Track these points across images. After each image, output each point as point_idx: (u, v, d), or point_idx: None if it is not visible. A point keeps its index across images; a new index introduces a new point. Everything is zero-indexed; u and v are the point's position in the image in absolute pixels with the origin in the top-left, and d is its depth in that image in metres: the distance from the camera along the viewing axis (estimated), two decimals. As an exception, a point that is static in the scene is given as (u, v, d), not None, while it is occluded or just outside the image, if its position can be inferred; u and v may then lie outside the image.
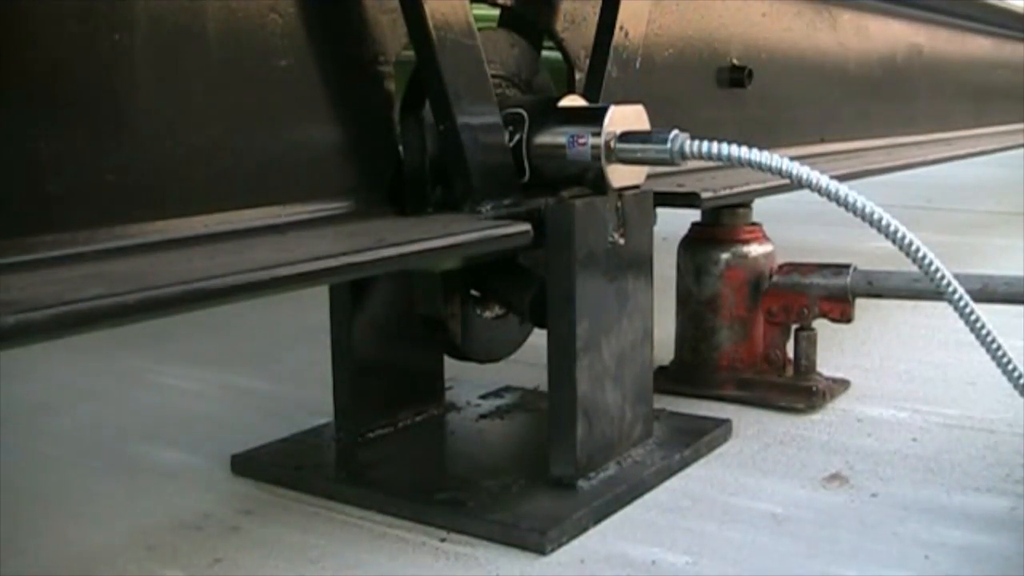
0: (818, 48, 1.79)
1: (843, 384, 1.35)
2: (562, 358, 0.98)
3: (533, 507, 0.97)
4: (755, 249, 1.31)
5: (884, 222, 0.85)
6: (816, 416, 1.25)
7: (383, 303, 1.13)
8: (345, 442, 1.13)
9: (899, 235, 0.85)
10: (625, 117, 1.00)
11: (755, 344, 1.32)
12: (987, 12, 2.60)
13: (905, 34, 2.18)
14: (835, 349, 1.44)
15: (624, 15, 1.18)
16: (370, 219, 0.94)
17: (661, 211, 1.12)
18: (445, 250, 0.87)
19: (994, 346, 0.87)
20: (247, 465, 1.09)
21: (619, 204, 1.02)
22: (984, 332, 0.86)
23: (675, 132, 0.96)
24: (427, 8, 0.92)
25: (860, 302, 1.28)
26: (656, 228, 1.09)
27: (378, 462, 1.08)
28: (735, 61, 1.51)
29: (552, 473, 1.01)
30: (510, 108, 1.02)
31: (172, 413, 1.32)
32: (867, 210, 0.86)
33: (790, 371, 1.32)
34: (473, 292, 1.10)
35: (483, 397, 1.27)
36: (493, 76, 1.02)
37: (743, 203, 1.32)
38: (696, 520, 0.97)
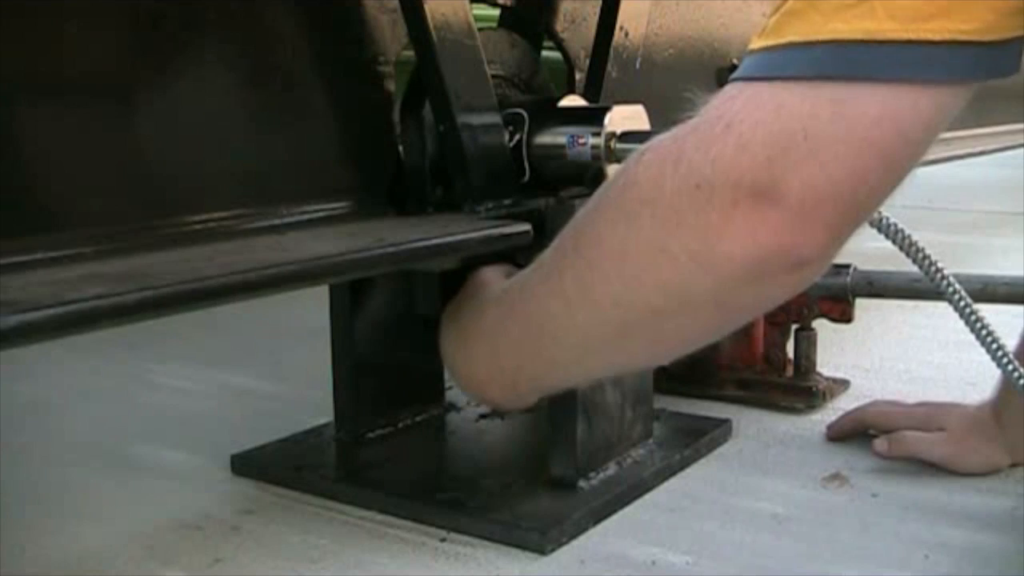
0: (818, 48, 1.78)
1: (843, 384, 1.35)
2: (562, 358, 0.98)
3: (533, 507, 0.97)
4: (755, 249, 1.31)
5: (884, 222, 0.85)
6: (816, 416, 1.25)
7: (383, 303, 1.13)
8: (345, 442, 1.13)
9: (899, 235, 0.85)
10: (625, 117, 1.00)
11: (755, 344, 1.32)
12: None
13: (905, 34, 2.18)
14: (835, 349, 1.44)
15: (624, 15, 1.18)
16: (370, 219, 0.94)
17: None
18: (445, 250, 0.87)
19: (994, 347, 0.87)
20: (247, 465, 1.09)
21: (619, 204, 1.01)
22: (984, 332, 0.86)
23: (675, 132, 0.96)
24: (427, 8, 0.92)
25: (860, 302, 1.27)
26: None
27: (378, 462, 1.08)
28: (735, 61, 1.50)
29: (552, 473, 1.01)
30: (510, 108, 1.02)
31: (172, 413, 1.32)
32: (867, 210, 0.85)
33: (790, 371, 1.32)
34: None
35: (483, 397, 1.26)
36: (493, 76, 1.02)
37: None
38: (696, 520, 0.97)
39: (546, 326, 0.78)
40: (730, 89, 0.66)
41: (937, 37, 0.59)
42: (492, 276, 0.93)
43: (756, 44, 0.65)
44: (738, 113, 0.63)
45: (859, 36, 0.60)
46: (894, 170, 0.63)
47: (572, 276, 0.74)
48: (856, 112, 0.61)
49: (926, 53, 0.59)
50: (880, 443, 1.08)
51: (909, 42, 0.59)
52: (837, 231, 0.63)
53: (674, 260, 0.66)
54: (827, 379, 1.32)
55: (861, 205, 0.64)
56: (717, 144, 0.64)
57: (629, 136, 0.99)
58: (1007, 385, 1.02)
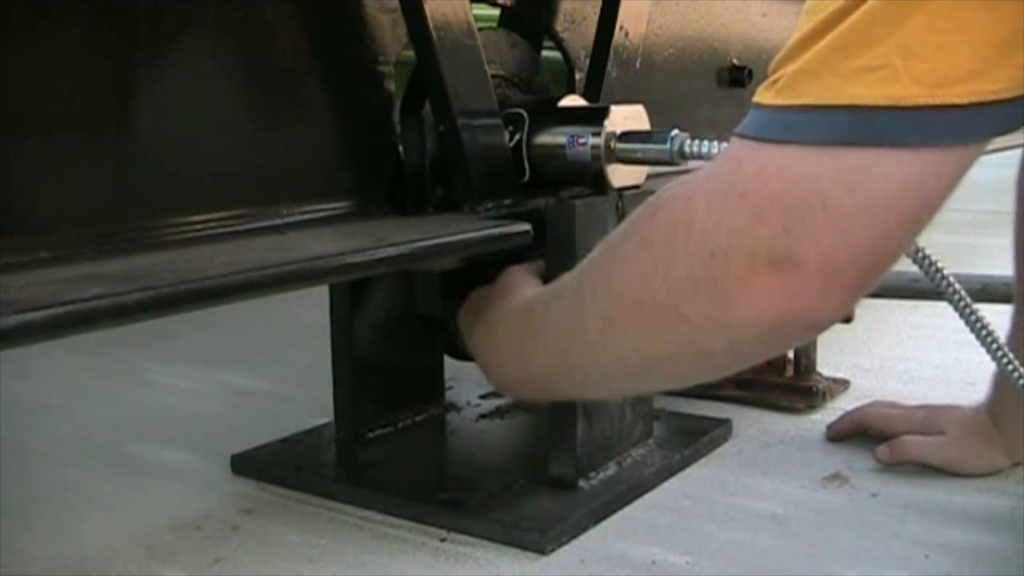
0: (818, 48, 1.78)
1: (843, 384, 1.35)
2: (562, 358, 0.98)
3: (533, 507, 0.97)
4: (755, 249, 1.31)
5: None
6: (816, 416, 1.25)
7: (383, 303, 1.13)
8: (345, 442, 1.13)
9: (899, 235, 0.85)
10: (625, 117, 1.00)
11: (755, 344, 1.32)
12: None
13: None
14: (835, 349, 1.44)
15: (624, 15, 1.18)
16: (370, 219, 0.94)
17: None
18: (445, 250, 0.87)
19: (994, 346, 0.87)
20: (247, 465, 1.09)
21: (619, 204, 1.02)
22: (984, 332, 0.86)
23: (675, 132, 0.96)
24: (427, 8, 0.92)
25: (860, 302, 1.27)
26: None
27: (378, 462, 1.08)
28: (735, 61, 1.51)
29: (552, 473, 1.01)
30: (510, 108, 1.02)
31: (172, 413, 1.32)
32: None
33: (790, 371, 1.31)
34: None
35: (483, 397, 1.27)
36: (493, 76, 1.02)
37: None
38: (696, 520, 0.97)
39: (572, 359, 0.79)
40: (740, 149, 0.64)
41: (965, 100, 0.57)
42: (522, 277, 0.94)
43: (767, 99, 0.63)
44: (752, 181, 0.62)
45: (883, 102, 0.58)
46: (914, 230, 0.62)
47: (592, 322, 0.74)
48: (878, 180, 0.59)
49: (953, 117, 0.57)
50: (882, 450, 1.08)
51: (936, 107, 0.57)
52: (856, 291, 0.63)
53: (689, 321, 0.66)
54: (827, 379, 1.32)
55: (881, 266, 0.62)
56: (731, 213, 0.62)
57: (629, 136, 0.98)
58: (1002, 386, 1.02)
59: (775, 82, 0.63)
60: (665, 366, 0.73)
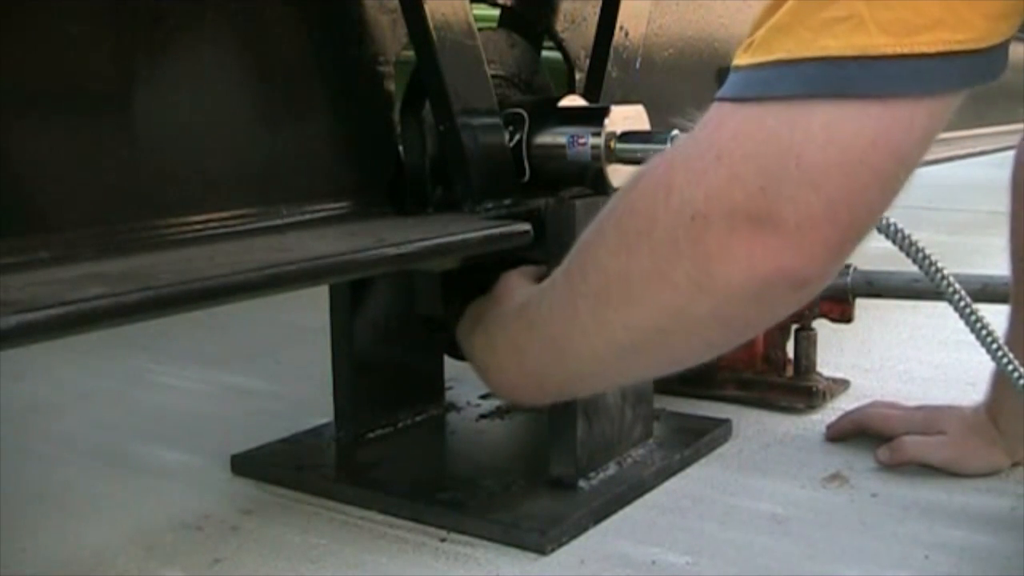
0: (818, 48, 1.78)
1: (843, 384, 1.35)
2: (562, 358, 0.98)
3: (533, 507, 0.97)
4: (755, 249, 1.31)
5: (884, 222, 0.85)
6: (816, 416, 1.25)
7: (383, 303, 1.13)
8: (345, 442, 1.13)
9: (899, 235, 0.85)
10: (625, 117, 1.00)
11: (755, 344, 1.32)
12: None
13: (905, 34, 2.17)
14: (835, 349, 1.44)
15: (624, 15, 1.18)
16: (370, 219, 0.94)
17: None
18: (445, 250, 0.87)
19: (994, 346, 0.87)
20: (247, 465, 1.09)
21: (619, 204, 1.01)
22: (984, 332, 0.86)
23: (675, 132, 0.96)
24: (427, 8, 0.92)
25: (860, 302, 1.27)
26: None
27: (378, 462, 1.08)
28: (735, 61, 1.50)
29: (552, 473, 1.01)
30: (510, 108, 1.02)
31: (172, 413, 1.32)
32: (867, 210, 0.85)
33: (790, 371, 1.32)
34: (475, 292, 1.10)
35: (483, 397, 1.26)
36: (493, 76, 1.02)
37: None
38: (696, 520, 0.97)
39: (565, 347, 0.79)
40: (718, 112, 0.64)
41: (932, 49, 0.58)
42: (518, 281, 0.94)
43: (743, 60, 0.63)
44: (728, 143, 0.62)
45: (851, 52, 0.58)
46: (890, 186, 0.63)
47: (583, 303, 0.75)
48: (850, 135, 0.59)
49: (921, 66, 0.58)
50: (882, 452, 1.09)
51: (903, 56, 0.58)
52: (838, 250, 0.63)
53: (675, 287, 0.66)
54: (827, 379, 1.32)
55: (860, 223, 0.63)
56: (708, 175, 0.63)
57: (629, 136, 0.99)
58: (1001, 386, 1.02)
59: (751, 43, 0.63)
60: (655, 343, 0.73)
